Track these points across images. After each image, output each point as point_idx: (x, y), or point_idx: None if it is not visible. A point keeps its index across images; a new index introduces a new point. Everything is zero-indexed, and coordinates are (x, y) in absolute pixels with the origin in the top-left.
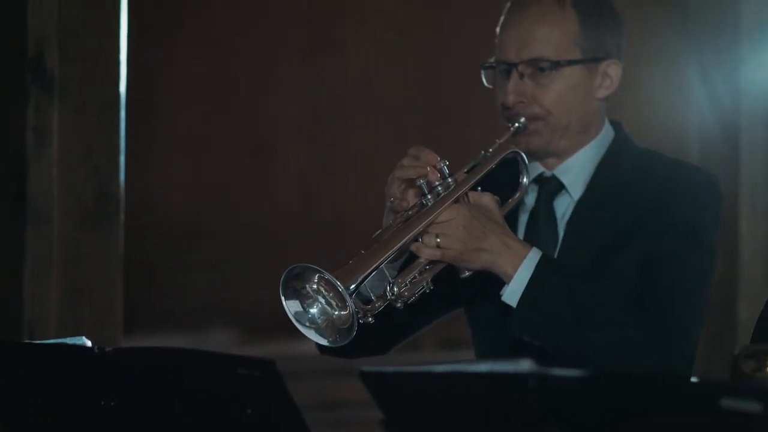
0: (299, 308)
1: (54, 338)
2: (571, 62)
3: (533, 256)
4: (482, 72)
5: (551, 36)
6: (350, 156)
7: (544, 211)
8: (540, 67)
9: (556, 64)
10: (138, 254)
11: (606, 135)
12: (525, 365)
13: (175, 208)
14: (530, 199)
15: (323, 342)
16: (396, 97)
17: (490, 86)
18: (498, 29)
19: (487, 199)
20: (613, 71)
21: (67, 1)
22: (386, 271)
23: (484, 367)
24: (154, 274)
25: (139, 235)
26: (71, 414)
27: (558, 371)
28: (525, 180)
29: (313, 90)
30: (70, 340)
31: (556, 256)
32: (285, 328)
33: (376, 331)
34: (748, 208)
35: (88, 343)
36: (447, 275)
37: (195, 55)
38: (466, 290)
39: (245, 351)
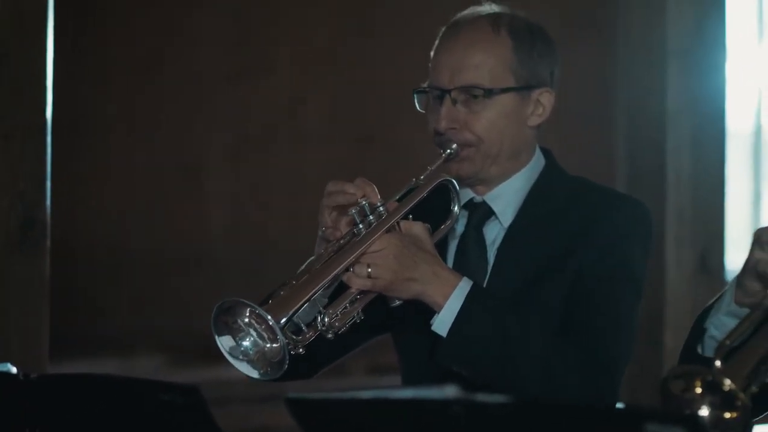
0: (232, 343)
1: None
2: (504, 90)
3: (464, 285)
4: (415, 96)
5: (485, 63)
6: (278, 180)
7: (473, 237)
8: (473, 93)
9: (490, 92)
10: (64, 280)
11: (537, 162)
12: (450, 391)
13: (102, 233)
14: (460, 225)
15: (254, 375)
16: (324, 122)
17: (423, 110)
18: (432, 53)
19: (418, 229)
20: (545, 99)
21: None
22: (317, 299)
23: (409, 392)
24: (81, 300)
25: (66, 261)
26: None
27: (483, 397)
28: (456, 209)
29: (240, 114)
30: None
31: (485, 282)
32: (211, 354)
33: (304, 357)
34: (674, 237)
35: (13, 370)
36: (377, 303)
37: (122, 80)
38: (396, 318)
39: (171, 377)
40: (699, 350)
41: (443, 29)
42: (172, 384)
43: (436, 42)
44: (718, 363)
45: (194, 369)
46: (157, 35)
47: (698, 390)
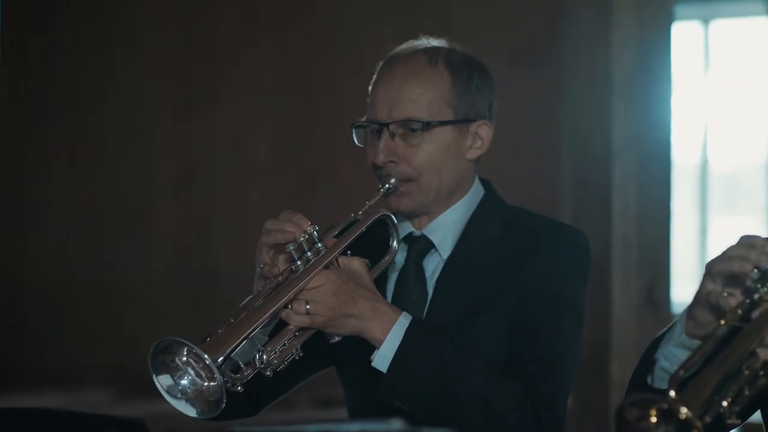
0: (171, 381)
1: None
2: (442, 123)
3: (403, 321)
4: (353, 131)
5: (423, 96)
6: (222, 215)
7: (413, 270)
8: (411, 127)
9: (428, 125)
10: (11, 313)
11: (475, 193)
12: (396, 425)
13: (49, 266)
14: (400, 258)
15: (192, 414)
16: (268, 157)
17: (361, 145)
18: (370, 88)
19: (357, 264)
20: (484, 132)
21: None
22: (256, 337)
23: (354, 426)
24: (27, 333)
25: (12, 294)
26: None
27: (428, 431)
28: (395, 244)
29: (184, 149)
30: None
31: (425, 315)
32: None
33: (245, 396)
34: (620, 268)
35: None
36: (317, 338)
37: (66, 114)
38: (337, 353)
39: (119, 410)
40: (649, 381)
41: (381, 62)
42: (117, 418)
43: (374, 76)
44: (672, 393)
45: (141, 402)
46: (101, 70)
47: (653, 419)
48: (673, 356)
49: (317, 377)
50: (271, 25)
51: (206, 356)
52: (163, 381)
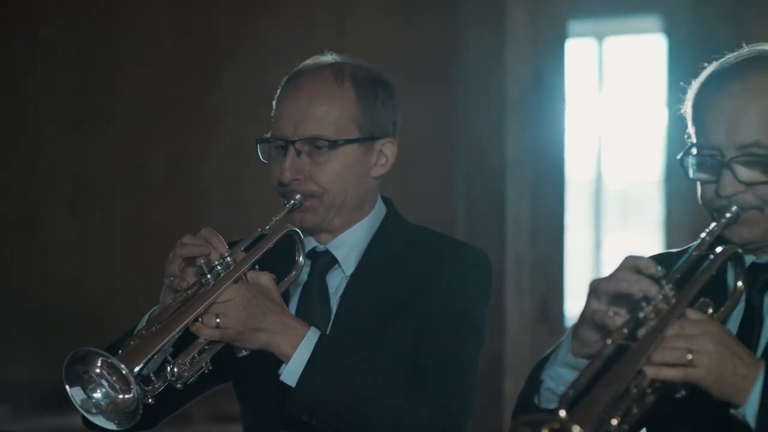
0: (83, 395)
1: None
2: (348, 141)
3: (312, 336)
4: (258, 146)
5: (329, 114)
6: (121, 229)
7: (316, 285)
8: (317, 145)
9: (334, 143)
10: None
11: (378, 211)
12: None
13: None
14: (303, 274)
15: (111, 427)
16: (167, 171)
17: (266, 161)
18: (275, 103)
19: (266, 279)
20: (388, 150)
21: None
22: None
23: None
24: None
25: None
26: None
27: None
28: (301, 259)
29: (82, 163)
30: None
31: (328, 331)
32: (54, 403)
33: (144, 408)
34: (513, 285)
35: None
36: (219, 354)
37: None
38: (239, 368)
39: (13, 426)
40: (536, 402)
41: (286, 77)
42: None
43: (279, 91)
44: (562, 413)
45: (37, 418)
46: None
47: None
48: (559, 376)
49: (214, 391)
50: (168, 42)
51: (123, 366)
52: (76, 394)
